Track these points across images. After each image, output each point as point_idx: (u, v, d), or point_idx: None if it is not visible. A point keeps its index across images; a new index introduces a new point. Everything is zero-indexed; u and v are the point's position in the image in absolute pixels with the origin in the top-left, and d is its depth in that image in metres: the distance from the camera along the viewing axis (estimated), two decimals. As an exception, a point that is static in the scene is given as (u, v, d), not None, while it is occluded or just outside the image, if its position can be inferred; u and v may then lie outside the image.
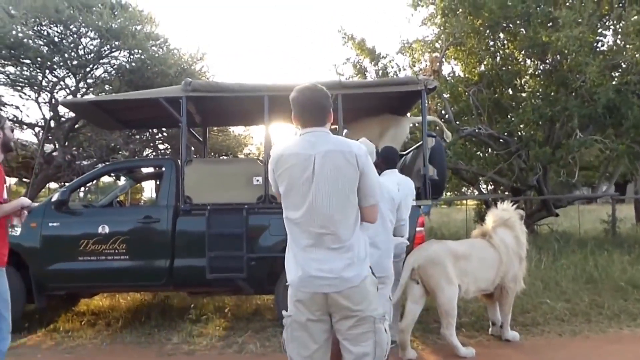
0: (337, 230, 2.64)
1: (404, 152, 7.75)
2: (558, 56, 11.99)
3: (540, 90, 13.06)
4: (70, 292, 6.86)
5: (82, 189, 13.27)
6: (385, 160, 5.10)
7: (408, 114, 8.16)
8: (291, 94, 2.80)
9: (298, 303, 2.70)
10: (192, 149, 8.94)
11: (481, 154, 14.64)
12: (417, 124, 8.83)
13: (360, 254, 2.69)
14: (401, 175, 5.13)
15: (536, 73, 13.48)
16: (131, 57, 12.49)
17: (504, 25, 12.65)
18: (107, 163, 11.36)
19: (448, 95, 13.56)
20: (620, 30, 11.67)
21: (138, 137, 15.02)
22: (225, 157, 16.69)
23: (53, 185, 17.38)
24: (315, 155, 2.66)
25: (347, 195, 2.66)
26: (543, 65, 13.10)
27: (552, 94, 12.16)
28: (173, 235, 6.19)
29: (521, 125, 12.80)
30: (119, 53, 12.51)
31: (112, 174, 8.17)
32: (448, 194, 20.12)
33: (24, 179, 16.52)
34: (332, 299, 2.63)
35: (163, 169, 6.73)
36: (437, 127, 8.55)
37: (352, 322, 2.65)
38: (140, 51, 12.16)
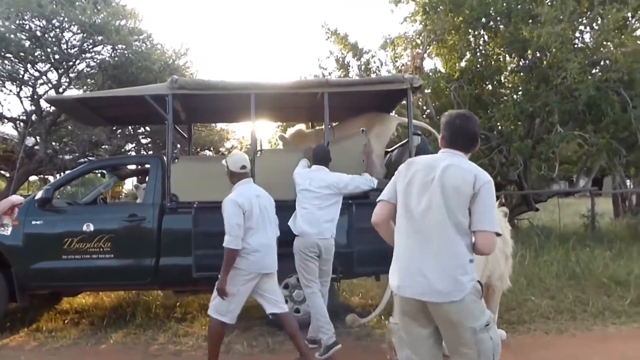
0: (434, 241, 2.69)
1: (389, 150, 7.78)
2: (538, 53, 12.10)
3: (521, 86, 13.17)
4: (53, 291, 6.81)
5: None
6: (315, 157, 5.49)
7: (393, 112, 8.20)
8: (444, 117, 2.98)
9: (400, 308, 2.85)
10: (178, 146, 8.89)
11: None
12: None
13: (456, 275, 2.64)
14: (335, 174, 5.42)
15: (516, 69, 13.57)
16: (114, 52, 12.34)
17: (485, 22, 12.74)
18: (93, 159, 11.24)
19: (430, 91, 13.63)
20: (597, 27, 11.79)
21: (121, 131, 14.89)
22: (211, 155, 16.61)
23: (33, 178, 17.22)
24: (439, 166, 2.78)
25: (454, 210, 2.68)
26: (523, 61, 13.19)
27: (533, 89, 12.25)
28: (159, 233, 6.14)
29: (501, 121, 12.89)
30: (102, 48, 12.36)
31: (98, 171, 8.08)
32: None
33: (2, 172, 16.31)
34: (431, 308, 2.68)
35: (148, 166, 6.68)
36: (431, 135, 8.64)
37: (452, 333, 2.69)
38: (123, 46, 12.00)
